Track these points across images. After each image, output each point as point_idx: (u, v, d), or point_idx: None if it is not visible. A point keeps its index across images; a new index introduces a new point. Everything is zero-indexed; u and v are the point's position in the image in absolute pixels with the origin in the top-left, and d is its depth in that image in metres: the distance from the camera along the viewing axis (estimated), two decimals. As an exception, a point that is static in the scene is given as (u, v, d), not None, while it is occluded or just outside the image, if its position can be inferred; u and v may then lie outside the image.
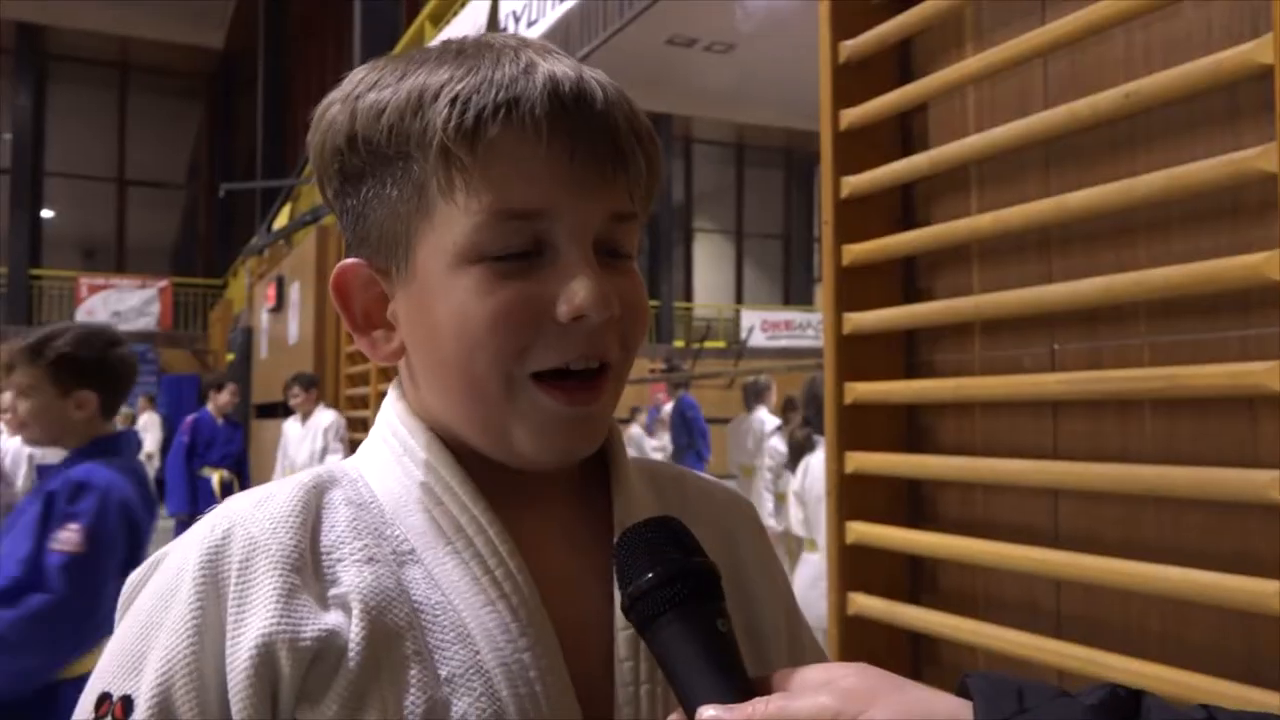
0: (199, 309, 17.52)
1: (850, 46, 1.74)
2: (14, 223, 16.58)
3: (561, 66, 0.62)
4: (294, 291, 7.93)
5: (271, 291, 8.65)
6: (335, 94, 0.66)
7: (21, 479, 4.87)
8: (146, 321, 16.34)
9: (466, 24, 4.50)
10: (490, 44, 0.64)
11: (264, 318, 9.30)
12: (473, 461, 0.66)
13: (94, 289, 16.23)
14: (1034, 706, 0.47)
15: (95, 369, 2.22)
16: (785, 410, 7.08)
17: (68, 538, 2.02)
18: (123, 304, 16.26)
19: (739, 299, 21.53)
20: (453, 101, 0.60)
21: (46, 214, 18.51)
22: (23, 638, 1.95)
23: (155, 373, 15.27)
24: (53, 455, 5.05)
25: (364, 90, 0.64)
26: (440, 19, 5.30)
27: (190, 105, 20.56)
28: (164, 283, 16.83)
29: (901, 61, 1.80)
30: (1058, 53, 1.45)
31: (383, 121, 0.62)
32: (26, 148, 17.07)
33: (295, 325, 7.80)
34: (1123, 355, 1.39)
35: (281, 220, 9.70)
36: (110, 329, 2.43)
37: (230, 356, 10.96)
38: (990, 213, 1.51)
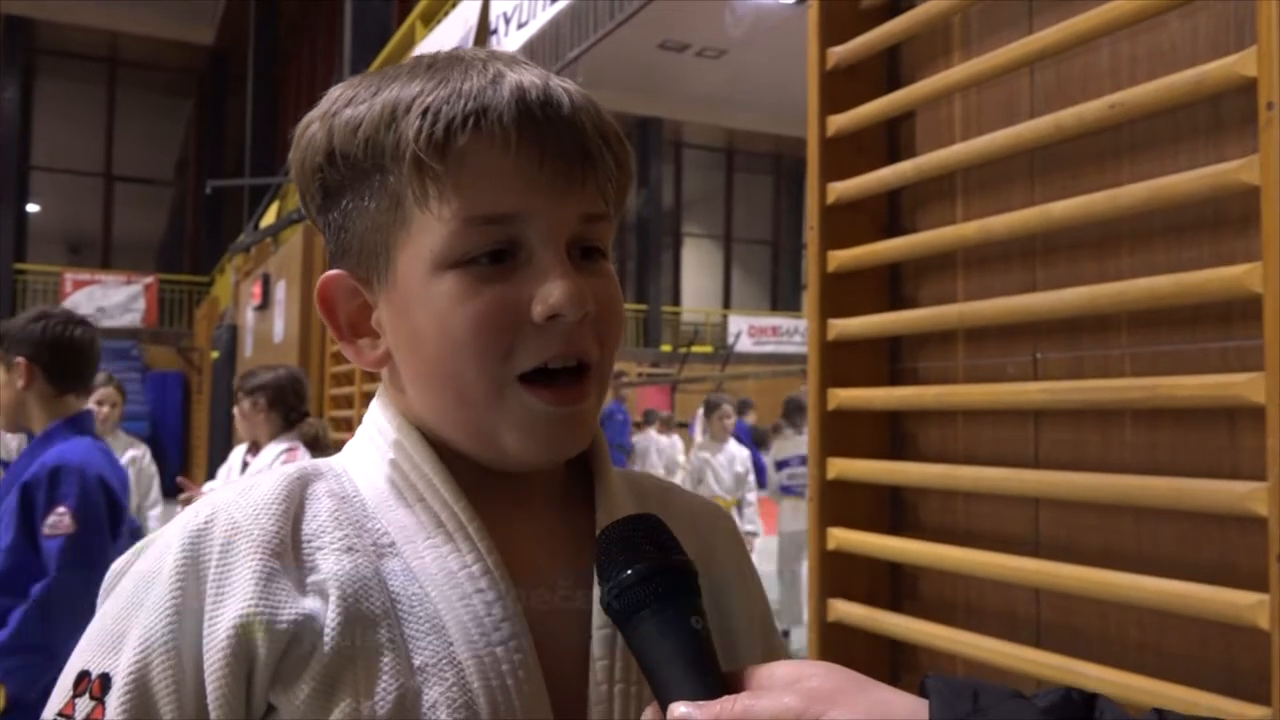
0: (185, 306, 17.41)
1: (838, 53, 1.74)
2: (-2, 217, 16.49)
3: (529, 76, 0.64)
4: (280, 290, 7.90)
5: (257, 289, 8.61)
6: (314, 112, 0.68)
7: None
8: (131, 318, 16.22)
9: (457, 24, 4.48)
10: (461, 57, 0.66)
11: (249, 315, 9.26)
12: (457, 464, 0.67)
13: (79, 284, 16.09)
14: (988, 707, 0.48)
15: (25, 337, 2.17)
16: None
17: (57, 521, 2.04)
18: (108, 300, 16.13)
19: (726, 304, 21.55)
20: (424, 113, 0.62)
21: (32, 208, 18.40)
22: (37, 628, 1.97)
23: (140, 369, 15.18)
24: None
25: (340, 107, 0.66)
26: (431, 19, 5.28)
27: (179, 102, 20.44)
28: (149, 279, 16.71)
29: (889, 68, 1.80)
30: (1044, 62, 1.46)
31: (359, 136, 0.64)
32: (13, 141, 16.94)
33: (281, 323, 7.77)
34: (1104, 365, 1.39)
35: (269, 218, 9.65)
36: (69, 313, 2.35)
37: (215, 354, 10.90)
38: (975, 221, 1.52)
